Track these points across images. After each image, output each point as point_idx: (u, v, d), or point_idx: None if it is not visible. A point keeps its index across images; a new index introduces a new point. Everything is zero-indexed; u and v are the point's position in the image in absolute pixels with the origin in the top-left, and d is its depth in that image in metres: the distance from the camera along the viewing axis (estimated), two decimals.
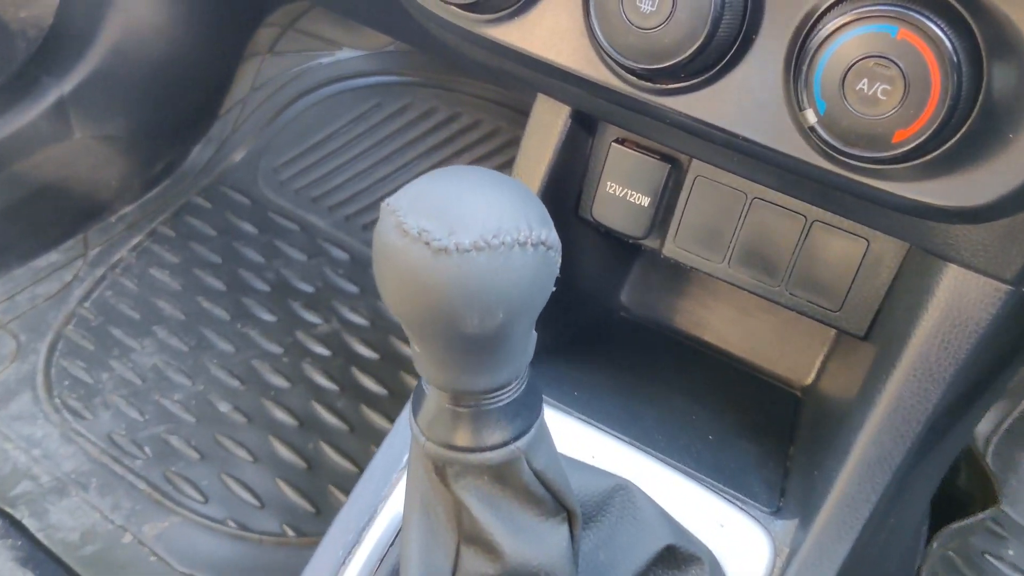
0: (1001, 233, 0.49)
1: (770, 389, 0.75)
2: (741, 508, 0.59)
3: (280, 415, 1.24)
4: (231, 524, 1.13)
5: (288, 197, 1.52)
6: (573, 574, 0.51)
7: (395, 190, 1.27)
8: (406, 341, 1.35)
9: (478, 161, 1.48)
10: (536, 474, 0.48)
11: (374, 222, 1.51)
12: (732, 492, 0.60)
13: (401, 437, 0.65)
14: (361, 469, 1.23)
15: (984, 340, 0.53)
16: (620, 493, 0.57)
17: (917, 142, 0.44)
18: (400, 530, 0.56)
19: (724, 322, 0.78)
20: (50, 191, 1.44)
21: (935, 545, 1.07)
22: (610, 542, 0.56)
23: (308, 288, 1.40)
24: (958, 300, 0.52)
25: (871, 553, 0.68)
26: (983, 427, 1.16)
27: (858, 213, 0.55)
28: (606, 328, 0.78)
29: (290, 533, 1.12)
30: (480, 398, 0.45)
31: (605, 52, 0.51)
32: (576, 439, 0.62)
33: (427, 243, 0.39)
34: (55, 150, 1.43)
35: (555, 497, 0.50)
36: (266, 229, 1.49)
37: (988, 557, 1.11)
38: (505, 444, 0.46)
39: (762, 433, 0.68)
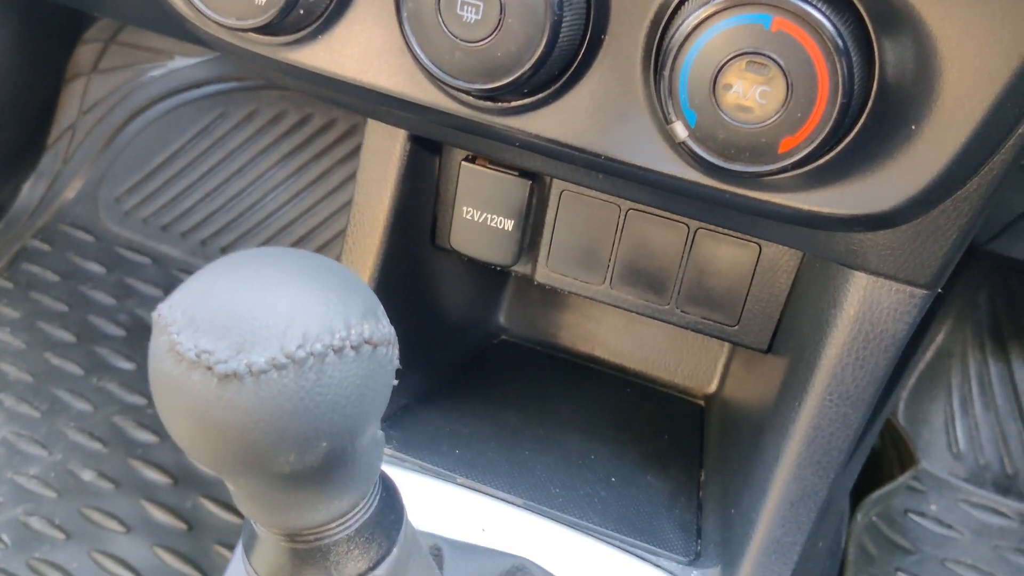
0: (911, 235, 0.42)
1: (671, 402, 0.68)
2: (655, 565, 0.52)
3: (151, 474, 1.13)
4: None
5: (135, 228, 1.39)
6: None
7: (254, 205, 1.13)
8: None
9: (338, 164, 1.37)
10: None
11: (234, 244, 1.38)
12: (643, 545, 0.53)
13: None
14: None
15: (900, 349, 0.47)
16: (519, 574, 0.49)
17: (808, 149, 0.37)
18: None
19: (613, 332, 0.70)
20: None
21: (859, 517, 1.03)
22: None
23: None
24: (870, 311, 0.45)
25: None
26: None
27: (746, 226, 0.48)
28: (487, 359, 0.69)
29: None
30: (320, 531, 0.36)
31: (429, 72, 0.42)
32: (463, 510, 0.53)
33: (210, 368, 0.29)
34: None
35: None
36: (114, 266, 1.35)
37: (911, 516, 1.08)
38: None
39: (669, 460, 0.61)
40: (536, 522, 0.53)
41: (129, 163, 1.42)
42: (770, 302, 0.53)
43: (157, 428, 1.17)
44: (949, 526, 1.08)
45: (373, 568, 0.37)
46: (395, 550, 0.38)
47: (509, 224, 0.57)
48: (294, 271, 0.32)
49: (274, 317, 0.30)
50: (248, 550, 0.38)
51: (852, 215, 0.40)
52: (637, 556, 0.52)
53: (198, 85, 1.44)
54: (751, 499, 0.51)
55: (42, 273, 1.34)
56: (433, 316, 0.60)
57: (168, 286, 1.32)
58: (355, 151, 1.39)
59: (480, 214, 0.57)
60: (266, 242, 1.37)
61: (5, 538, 1.06)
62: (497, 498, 0.54)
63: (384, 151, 0.54)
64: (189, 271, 1.32)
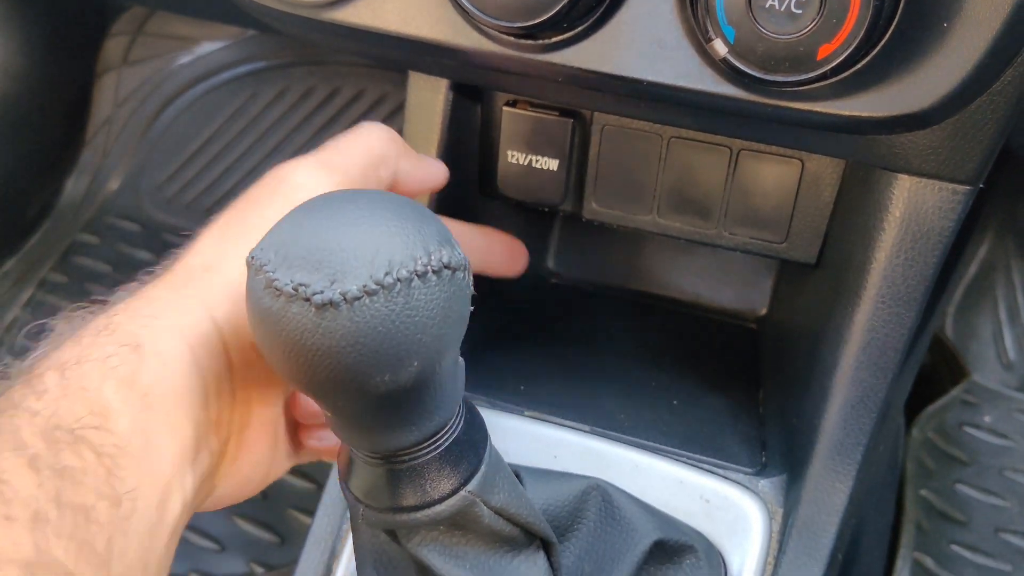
0: (950, 132, 0.44)
1: (725, 328, 0.69)
2: (723, 477, 0.54)
3: None
4: None
5: (179, 214, 1.42)
6: None
7: None
8: None
9: None
10: (497, 512, 0.42)
11: None
12: (710, 460, 0.55)
13: (322, 532, 0.58)
14: (319, 484, 1.17)
15: (947, 247, 0.48)
16: (593, 495, 0.51)
17: (846, 53, 0.38)
18: None
19: (662, 267, 0.72)
20: None
21: (915, 432, 1.04)
22: (593, 550, 0.51)
23: None
24: (916, 211, 0.47)
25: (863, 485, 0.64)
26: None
27: (788, 139, 0.49)
28: (540, 302, 0.71)
29: (258, 570, 1.06)
30: (415, 451, 0.38)
31: (470, 15, 0.44)
32: (533, 441, 0.56)
33: (307, 299, 0.32)
34: None
35: (524, 529, 0.44)
36: (163, 252, 1.38)
37: (966, 428, 1.09)
38: (455, 492, 0.40)
39: (727, 381, 0.63)
40: (605, 446, 0.55)
41: (167, 151, 1.46)
42: (816, 216, 0.55)
43: None
44: (1004, 435, 1.09)
45: (464, 484, 0.40)
46: (483, 467, 0.40)
47: (554, 164, 0.58)
48: (372, 207, 0.34)
49: (361, 249, 0.32)
50: (346, 477, 0.41)
51: (892, 116, 0.41)
52: (705, 470, 0.54)
53: (227, 68, 1.46)
54: (812, 407, 0.53)
55: (94, 265, 1.38)
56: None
57: None
58: (386, 119, 1.41)
59: (525, 157, 0.59)
60: None
61: None
62: (565, 427, 0.56)
63: (428, 103, 0.56)
64: None
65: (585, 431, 0.56)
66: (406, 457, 0.38)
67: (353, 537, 0.46)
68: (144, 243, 1.40)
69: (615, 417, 0.57)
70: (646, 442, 0.56)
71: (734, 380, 0.63)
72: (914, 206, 0.47)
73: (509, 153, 0.59)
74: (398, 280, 0.32)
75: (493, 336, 0.65)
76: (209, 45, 1.47)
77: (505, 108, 0.58)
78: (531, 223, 0.70)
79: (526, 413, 0.57)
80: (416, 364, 0.34)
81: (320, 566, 0.54)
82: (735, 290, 0.71)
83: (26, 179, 1.42)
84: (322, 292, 0.32)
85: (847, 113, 0.41)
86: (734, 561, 0.52)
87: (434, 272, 0.33)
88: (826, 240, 0.55)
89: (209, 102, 1.46)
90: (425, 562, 0.42)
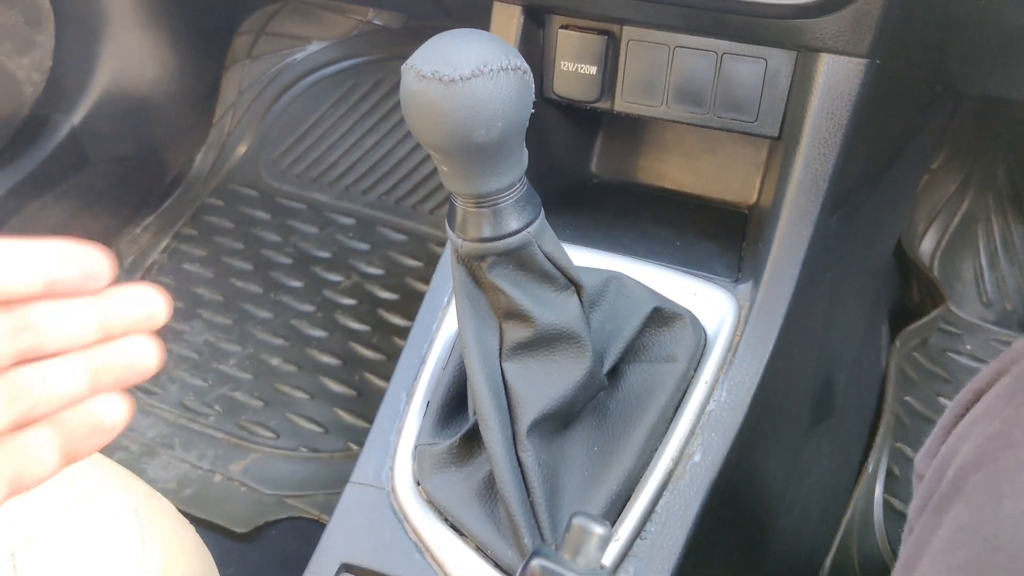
0: (851, 19, 0.67)
1: (723, 211, 0.92)
2: (709, 280, 0.77)
3: (325, 359, 1.42)
4: (303, 450, 1.30)
5: (291, 182, 1.69)
6: (587, 332, 0.68)
7: (384, 156, 1.47)
8: (420, 280, 1.52)
9: None
10: (547, 256, 0.65)
11: (372, 186, 1.67)
12: (701, 272, 0.78)
13: (437, 293, 0.82)
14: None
15: (858, 106, 0.71)
16: (613, 280, 0.75)
17: None
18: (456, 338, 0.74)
19: (677, 169, 0.95)
20: (80, 214, 1.61)
21: (898, 344, 1.25)
22: (611, 316, 0.74)
23: (325, 254, 1.58)
24: (832, 80, 0.70)
25: (816, 325, 0.85)
26: (927, 245, 1.35)
27: (745, 33, 0.73)
28: (581, 192, 0.95)
29: (354, 447, 1.30)
30: (495, 197, 0.62)
31: None
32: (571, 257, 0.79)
33: (440, 79, 0.56)
34: (77, 177, 1.59)
35: (564, 274, 0.67)
36: (277, 213, 1.66)
37: (948, 354, 1.29)
38: (520, 230, 0.63)
39: (720, 237, 0.86)
40: (622, 260, 0.78)
41: (282, 130, 1.73)
42: (777, 99, 0.77)
43: (325, 326, 1.46)
44: (983, 360, 1.29)
45: (527, 226, 0.63)
46: (539, 219, 0.64)
47: (593, 70, 0.82)
48: (476, 33, 0.58)
49: (471, 52, 0.56)
50: (450, 220, 0.64)
51: (791, 4, 0.65)
52: (697, 277, 0.77)
53: (333, 63, 1.74)
54: (768, 230, 0.76)
55: (219, 222, 1.66)
56: (540, 154, 0.85)
57: (321, 224, 1.62)
58: None
59: (573, 65, 0.83)
60: (397, 184, 1.65)
61: (217, 407, 1.37)
62: (594, 249, 0.79)
63: (506, 25, 0.81)
64: (337, 211, 1.62)
65: (607, 252, 0.79)
66: (490, 202, 0.62)
67: (454, 288, 0.69)
68: (260, 205, 1.67)
69: (632, 247, 0.81)
70: (654, 260, 0.79)
71: (725, 237, 0.86)
72: (831, 76, 0.70)
73: (562, 63, 0.83)
74: (491, 70, 0.56)
75: (552, 203, 0.89)
76: (318, 43, 1.75)
77: (560, 30, 0.82)
78: (579, 131, 0.94)
79: (564, 242, 0.81)
80: (500, 125, 0.58)
81: (426, 335, 0.78)
82: (732, 187, 0.93)
83: (165, 152, 1.71)
84: (448, 74, 0.56)
85: (775, 2, 0.65)
86: (711, 330, 0.74)
87: (512, 70, 0.57)
88: (784, 118, 0.78)
89: (317, 90, 1.74)
90: (499, 287, 0.65)
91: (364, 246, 1.58)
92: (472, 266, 0.66)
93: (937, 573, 0.39)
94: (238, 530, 1.19)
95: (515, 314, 0.66)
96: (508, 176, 0.61)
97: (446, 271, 0.82)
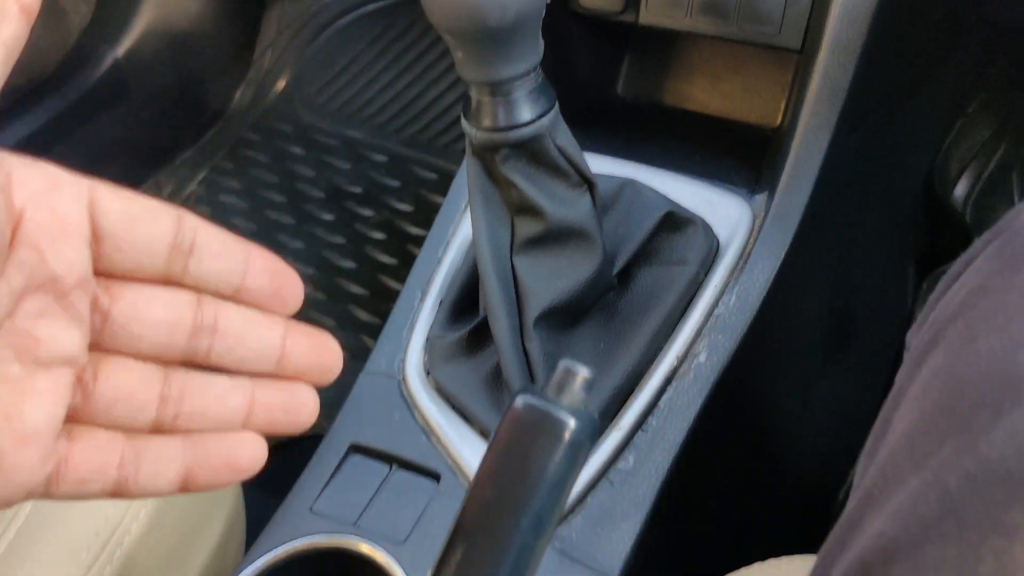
0: None
1: (746, 131, 0.92)
2: (725, 190, 0.78)
3: (354, 288, 1.45)
4: None
5: (327, 118, 1.71)
6: (597, 231, 0.69)
7: (418, 96, 1.48)
8: None
9: None
10: (559, 150, 0.66)
11: (406, 125, 1.68)
12: (717, 182, 0.78)
13: (454, 200, 0.84)
14: None
15: (877, 18, 0.71)
16: (628, 186, 0.76)
17: None
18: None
19: (702, 91, 0.95)
20: (120, 144, 1.64)
21: (925, 287, 1.24)
22: (625, 220, 0.75)
23: (358, 189, 1.60)
24: None
25: (832, 246, 0.85)
26: (960, 191, 1.33)
27: None
28: (605, 111, 0.96)
29: (370, 343, 1.32)
30: (509, 85, 0.63)
31: None
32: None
33: None
34: (119, 109, 1.63)
35: (576, 170, 0.68)
36: (312, 148, 1.68)
37: None
38: (533, 121, 0.64)
39: (740, 153, 0.86)
40: (639, 167, 0.79)
41: (318, 69, 1.75)
42: (799, 11, 0.77)
43: (355, 258, 1.49)
44: None
45: (540, 117, 0.64)
46: (552, 111, 0.65)
47: None
48: None
49: None
50: (465, 111, 0.65)
51: None
52: (713, 185, 0.78)
53: (368, 3, 1.75)
54: (786, 142, 0.76)
55: (256, 156, 1.69)
56: (565, 72, 0.86)
57: (355, 159, 1.64)
58: None
59: None
60: (430, 123, 1.66)
61: None
62: (609, 157, 0.80)
63: None
64: (370, 148, 1.64)
65: (625, 160, 0.80)
66: (503, 91, 0.63)
67: (468, 184, 0.71)
68: (296, 141, 1.70)
69: (651, 157, 0.81)
70: (670, 170, 0.79)
71: (745, 153, 0.86)
72: None
73: None
74: None
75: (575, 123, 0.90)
76: None
77: None
78: (605, 50, 0.94)
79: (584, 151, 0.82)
80: (514, 9, 0.59)
81: (442, 239, 0.80)
82: (757, 108, 0.93)
83: (205, 87, 1.74)
84: None
85: None
86: (723, 237, 0.75)
87: None
88: (807, 30, 0.78)
89: (355, 29, 1.75)
90: (512, 181, 0.67)
91: (395, 183, 1.59)
92: (486, 159, 0.67)
93: (911, 417, 0.40)
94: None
95: (527, 208, 0.67)
96: (522, 64, 0.62)
97: (464, 179, 0.83)
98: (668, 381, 0.69)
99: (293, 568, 0.64)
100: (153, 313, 0.37)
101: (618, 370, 0.69)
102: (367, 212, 1.55)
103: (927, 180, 1.24)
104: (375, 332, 1.38)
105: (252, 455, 0.39)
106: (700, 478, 0.70)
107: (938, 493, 0.34)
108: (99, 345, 0.36)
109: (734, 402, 0.74)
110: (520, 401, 0.41)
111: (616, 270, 0.72)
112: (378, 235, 1.52)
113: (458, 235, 0.80)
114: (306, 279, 1.40)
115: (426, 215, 1.53)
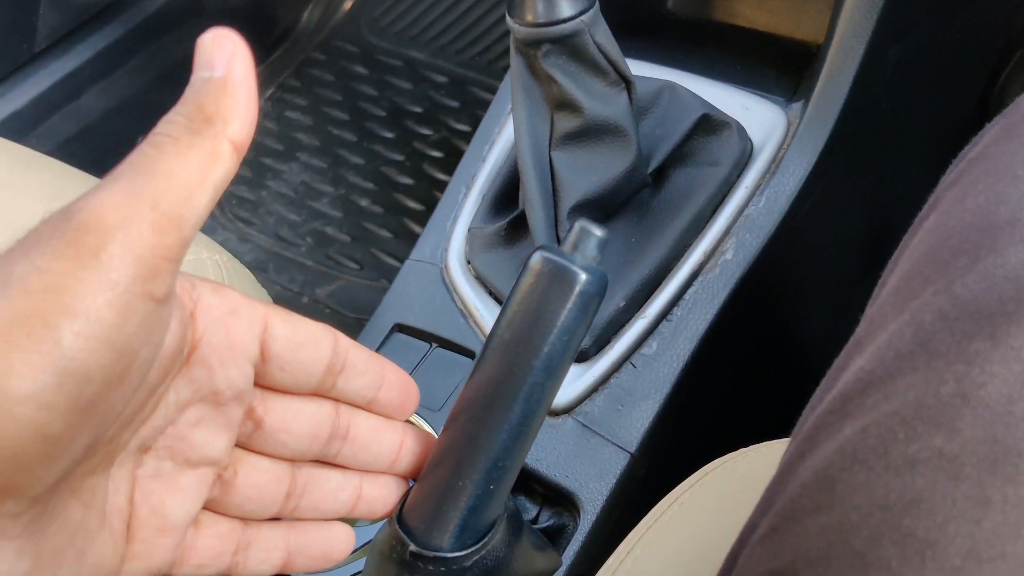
0: None
1: (789, 45, 0.94)
2: (761, 97, 0.80)
3: (411, 203, 1.49)
4: (384, 281, 1.39)
5: (390, 40, 1.75)
6: (633, 128, 0.72)
7: (479, 19, 1.51)
8: None
9: None
10: (599, 47, 0.69)
11: (466, 47, 1.71)
12: (755, 89, 0.81)
13: (501, 100, 0.87)
14: None
15: None
16: (667, 89, 0.78)
17: None
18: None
19: (751, 7, 0.97)
20: (191, 60, 1.70)
21: None
22: (662, 122, 0.77)
23: (418, 109, 1.64)
24: None
25: (868, 160, 0.87)
26: None
27: None
28: (654, 24, 0.97)
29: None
30: None
31: None
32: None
33: None
34: (191, 25, 1.68)
35: (614, 68, 0.71)
36: (375, 69, 1.72)
37: None
38: (574, 17, 0.67)
39: (781, 65, 0.87)
40: (676, 72, 0.82)
41: None
42: None
43: (413, 175, 1.53)
44: None
45: (582, 13, 0.67)
46: (594, 9, 0.67)
47: None
48: None
49: None
50: (509, 8, 0.68)
51: None
52: (750, 92, 0.80)
53: None
54: (824, 50, 0.78)
55: (321, 75, 1.73)
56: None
57: (416, 80, 1.67)
58: None
59: None
60: (490, 45, 1.69)
61: (309, 239, 1.46)
62: (649, 63, 0.83)
63: None
64: (432, 69, 1.68)
65: (664, 66, 0.83)
66: None
67: (511, 81, 0.74)
68: (361, 61, 1.74)
69: (690, 64, 0.84)
70: (709, 77, 0.82)
71: (786, 64, 0.87)
72: None
73: None
74: None
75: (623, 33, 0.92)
76: None
77: None
78: None
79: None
80: None
81: (488, 137, 0.84)
82: (804, 27, 0.95)
83: (274, 7, 1.78)
84: None
85: None
86: (757, 141, 0.78)
87: None
88: None
89: None
90: (552, 76, 0.70)
91: (454, 103, 1.63)
92: (528, 55, 0.70)
93: (900, 272, 0.43)
94: None
95: (566, 104, 0.71)
96: None
97: (510, 81, 0.87)
98: (694, 275, 0.73)
99: None
100: (300, 425, 0.40)
101: (647, 263, 0.72)
102: (426, 131, 1.60)
103: (980, 110, 1.23)
104: None
105: (344, 547, 0.43)
106: (719, 368, 0.74)
107: (913, 330, 0.37)
108: (245, 445, 0.39)
109: (759, 302, 0.77)
110: (538, 255, 0.45)
111: (650, 170, 0.75)
112: (436, 153, 1.56)
113: (503, 134, 0.84)
114: (365, 193, 1.46)
115: None
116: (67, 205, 0.30)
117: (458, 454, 0.46)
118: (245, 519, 0.40)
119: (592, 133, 0.72)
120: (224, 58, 0.34)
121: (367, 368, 0.42)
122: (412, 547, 0.46)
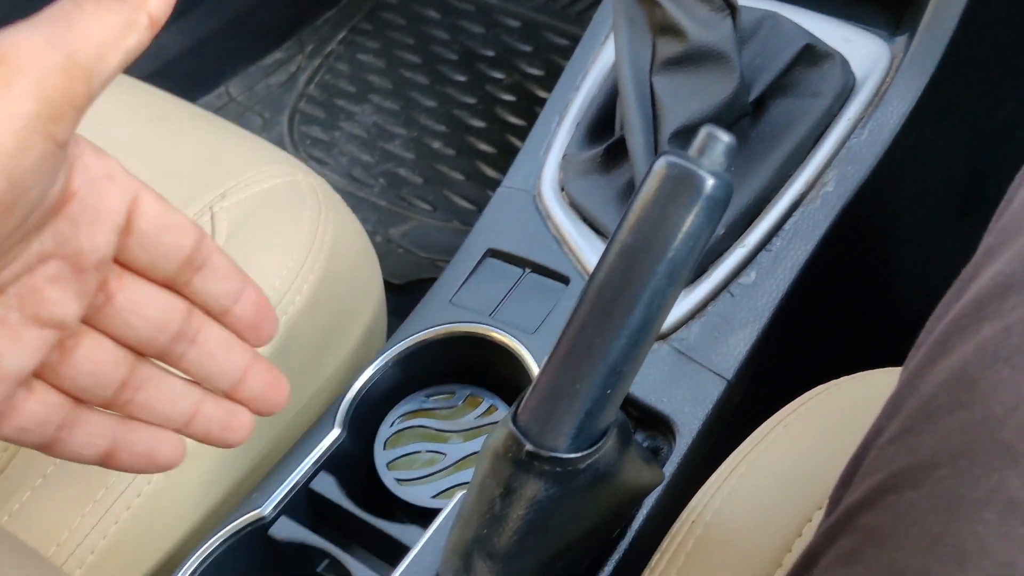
0: None
1: None
2: (865, 29, 0.78)
3: (482, 146, 1.49)
4: (456, 223, 1.39)
5: None
6: (736, 54, 0.71)
7: None
8: None
9: None
10: None
11: None
12: (858, 22, 0.79)
13: (595, 29, 0.86)
14: None
15: None
16: (769, 19, 0.77)
17: None
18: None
19: None
20: (265, 4, 1.71)
21: None
22: (762, 52, 0.76)
23: (490, 53, 1.63)
24: None
25: (971, 100, 0.85)
26: None
27: None
28: None
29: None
30: None
31: None
32: None
33: None
34: None
35: None
36: (447, 13, 1.71)
37: None
38: None
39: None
40: (779, 3, 0.80)
41: None
42: None
43: (485, 118, 1.53)
44: None
45: None
46: None
47: None
48: None
49: None
50: None
51: None
52: (852, 24, 0.78)
53: None
54: None
55: (393, 18, 1.73)
56: None
57: (489, 24, 1.67)
58: None
59: None
60: None
61: (382, 181, 1.47)
62: None
63: None
64: (504, 13, 1.67)
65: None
66: None
67: (613, 1, 0.73)
68: (432, 5, 1.73)
69: None
70: (812, 8, 0.80)
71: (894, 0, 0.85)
72: None
73: None
74: None
75: None
76: None
77: None
78: None
79: None
80: None
81: (581, 66, 0.83)
82: None
83: None
84: None
85: None
86: (860, 74, 0.76)
87: None
88: None
89: None
90: (656, 0, 0.69)
91: (527, 47, 1.62)
92: None
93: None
94: (395, 282, 1.30)
95: (669, 29, 0.70)
96: None
97: (605, 11, 0.86)
98: (795, 206, 0.72)
99: (436, 347, 0.71)
100: (150, 310, 0.41)
101: (746, 192, 0.72)
102: (498, 75, 1.59)
103: None
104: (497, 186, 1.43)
105: (171, 455, 0.43)
106: (817, 299, 0.73)
107: None
108: (91, 320, 0.40)
109: (858, 236, 0.76)
110: (663, 160, 0.45)
111: (751, 97, 0.74)
112: (508, 97, 1.56)
113: (597, 64, 0.83)
114: (437, 136, 1.46)
115: (556, 79, 1.56)
116: None
117: (576, 358, 0.46)
118: (77, 398, 0.41)
119: (695, 59, 0.71)
120: None
121: (227, 276, 0.43)
122: (528, 446, 0.46)
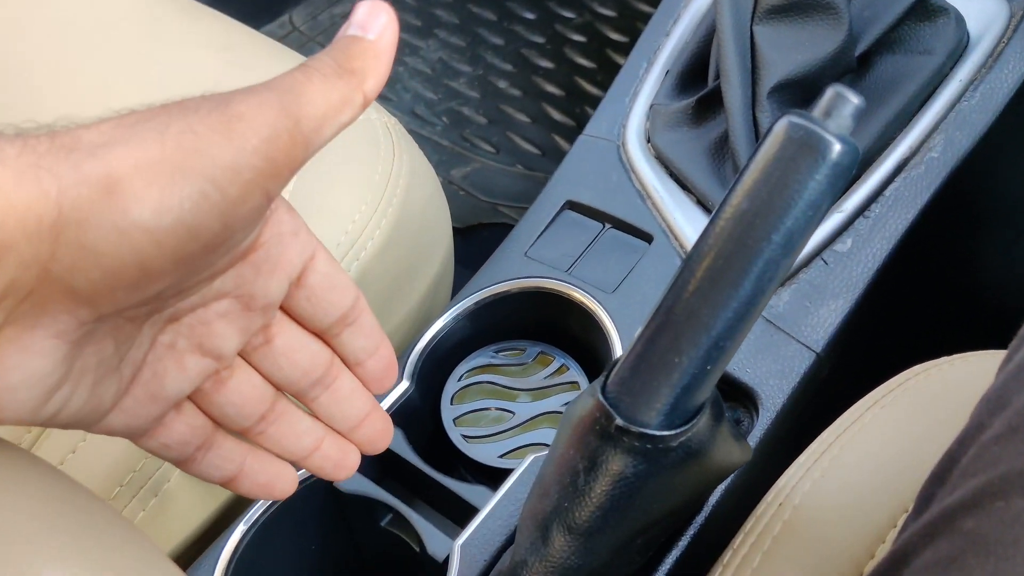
0: None
1: None
2: None
3: (549, 88, 1.45)
4: (519, 167, 1.36)
5: None
6: (846, 8, 0.66)
7: None
8: None
9: None
10: None
11: None
12: None
13: None
14: None
15: None
16: None
17: None
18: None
19: None
20: None
21: None
22: (872, 3, 0.71)
23: None
24: None
25: None
26: None
27: None
28: None
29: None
30: None
31: None
32: None
33: None
34: None
35: None
36: None
37: None
38: None
39: None
40: None
41: None
42: None
43: (553, 58, 1.48)
44: None
45: None
46: None
47: None
48: None
49: None
50: None
51: None
52: None
53: None
54: None
55: None
56: None
57: None
58: None
59: None
60: None
61: (445, 119, 1.43)
62: None
63: None
64: None
65: None
66: None
67: None
68: None
69: None
70: None
71: None
72: None
73: None
74: None
75: None
76: None
77: None
78: None
79: None
80: None
81: (672, 12, 0.78)
82: None
83: None
84: None
85: None
86: (975, 32, 0.71)
87: None
88: None
89: None
90: None
91: None
92: None
93: None
94: (455, 225, 1.27)
95: None
96: None
97: None
98: (897, 171, 0.67)
99: (509, 302, 0.68)
100: (300, 356, 0.43)
101: None
102: (569, 14, 1.54)
103: None
104: (568, 133, 1.39)
105: (285, 488, 0.46)
106: (915, 273, 0.69)
107: None
108: (247, 356, 0.43)
109: (963, 207, 0.72)
110: (785, 120, 0.41)
111: (858, 51, 0.69)
112: (578, 37, 1.50)
113: (691, 7, 0.78)
114: (503, 75, 1.42)
115: (627, 21, 1.50)
116: (227, 94, 0.34)
117: (676, 328, 0.43)
118: (218, 423, 0.43)
119: (800, 8, 0.66)
120: (379, 26, 0.38)
121: (370, 333, 0.46)
122: (618, 420, 0.44)
